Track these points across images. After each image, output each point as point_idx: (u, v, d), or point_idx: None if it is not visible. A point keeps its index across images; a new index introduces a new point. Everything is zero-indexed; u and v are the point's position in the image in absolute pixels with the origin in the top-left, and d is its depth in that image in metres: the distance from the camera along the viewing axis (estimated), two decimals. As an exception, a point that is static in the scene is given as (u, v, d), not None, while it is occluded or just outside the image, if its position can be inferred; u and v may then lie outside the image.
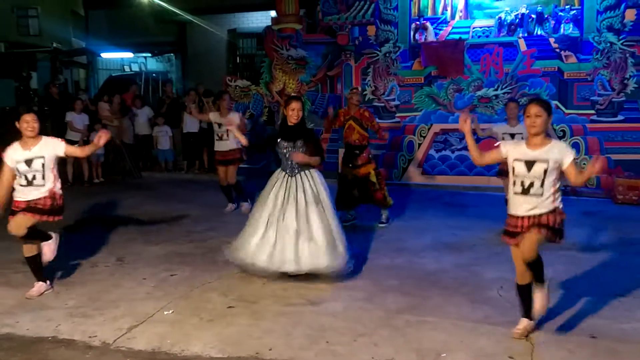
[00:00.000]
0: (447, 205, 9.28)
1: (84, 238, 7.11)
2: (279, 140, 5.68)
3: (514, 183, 4.10)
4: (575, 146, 10.25)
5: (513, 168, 4.10)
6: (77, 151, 5.44)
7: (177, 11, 18.01)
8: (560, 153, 4.00)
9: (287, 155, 5.62)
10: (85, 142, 11.25)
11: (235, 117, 8.38)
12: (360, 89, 7.88)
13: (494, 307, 4.84)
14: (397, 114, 11.86)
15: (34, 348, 4.18)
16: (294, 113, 5.59)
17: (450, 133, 11.22)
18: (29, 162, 4.95)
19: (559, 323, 4.44)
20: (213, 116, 8.52)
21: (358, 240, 6.74)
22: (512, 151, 4.15)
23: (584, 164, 10.16)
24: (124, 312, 4.79)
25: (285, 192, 5.53)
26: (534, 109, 4.04)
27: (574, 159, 4.01)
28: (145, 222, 8.02)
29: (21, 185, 5.02)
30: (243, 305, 4.93)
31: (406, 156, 11.26)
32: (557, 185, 4.05)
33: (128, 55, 21.36)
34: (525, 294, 4.24)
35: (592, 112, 10.78)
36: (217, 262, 6.18)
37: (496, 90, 11.24)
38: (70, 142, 10.87)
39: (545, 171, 3.97)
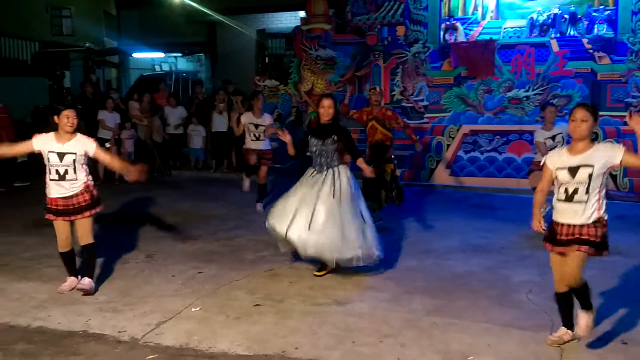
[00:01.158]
0: (475, 207, 9.18)
1: (115, 235, 7.22)
2: (309, 137, 5.70)
3: (558, 191, 4.00)
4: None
5: (557, 177, 3.99)
6: (105, 158, 5.37)
7: (207, 11, 18.16)
8: (606, 153, 3.88)
9: (316, 153, 5.63)
10: (117, 140, 11.46)
11: (268, 118, 8.64)
12: (378, 88, 7.83)
13: (522, 310, 4.78)
14: (426, 115, 11.78)
15: (65, 342, 4.26)
16: (324, 111, 5.61)
17: (480, 134, 11.11)
18: (61, 156, 5.04)
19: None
20: (245, 118, 8.63)
21: (384, 242, 6.70)
22: (554, 162, 4.04)
23: (616, 171, 9.92)
24: (152, 308, 4.86)
25: (309, 186, 5.58)
26: (580, 114, 3.93)
27: (625, 150, 3.88)
28: (174, 220, 8.11)
29: (52, 180, 5.08)
30: (269, 304, 4.95)
31: (434, 157, 11.19)
32: (603, 193, 3.93)
33: (159, 55, 21.62)
34: (563, 303, 4.14)
35: (626, 114, 10.55)
36: (244, 261, 6.23)
37: (527, 91, 11.09)
38: (101, 140, 11.20)
39: (590, 176, 3.86)
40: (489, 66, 11.30)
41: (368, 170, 5.74)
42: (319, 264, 5.71)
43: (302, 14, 13.56)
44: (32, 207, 8.59)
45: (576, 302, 4.11)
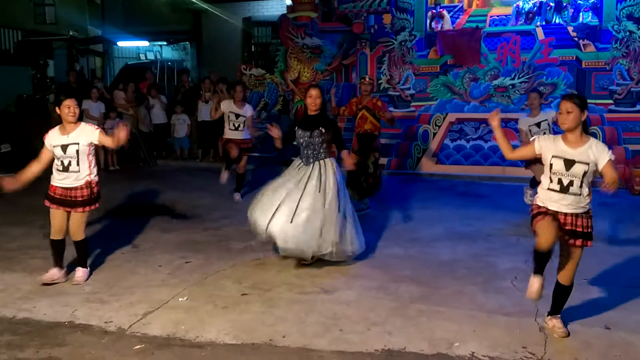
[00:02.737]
0: (461, 195, 9.23)
1: (100, 225, 7.18)
2: (296, 128, 5.68)
3: (551, 180, 4.01)
4: (593, 136, 10.12)
5: (551, 165, 3.99)
6: (108, 141, 5.23)
7: (192, -1, 18.02)
8: (598, 155, 3.91)
9: (303, 145, 5.62)
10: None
11: (249, 110, 8.56)
12: (368, 78, 7.82)
13: (507, 297, 4.83)
14: (412, 103, 11.80)
15: (51, 333, 4.25)
16: (312, 100, 5.58)
17: (466, 122, 11.15)
18: (64, 148, 5.04)
19: (573, 314, 4.42)
20: (226, 105, 8.53)
21: (372, 230, 6.75)
22: (550, 148, 4.02)
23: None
24: (139, 298, 4.85)
25: (295, 179, 5.55)
26: (564, 106, 3.96)
27: (610, 160, 3.91)
28: (161, 210, 8.08)
29: (58, 170, 5.11)
30: (257, 293, 4.96)
31: (421, 145, 11.21)
32: (591, 186, 3.99)
33: (144, 43, 21.41)
34: (545, 259, 4.00)
35: (611, 101, 10.66)
36: (231, 250, 6.22)
37: (513, 79, 11.14)
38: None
39: (585, 173, 3.90)
40: (475, 54, 11.33)
41: (351, 164, 5.75)
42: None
43: (288, 1, 13.50)
44: (17, 198, 8.51)
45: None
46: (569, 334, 4.10)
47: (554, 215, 3.99)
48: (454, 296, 4.88)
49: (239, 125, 8.46)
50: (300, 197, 5.40)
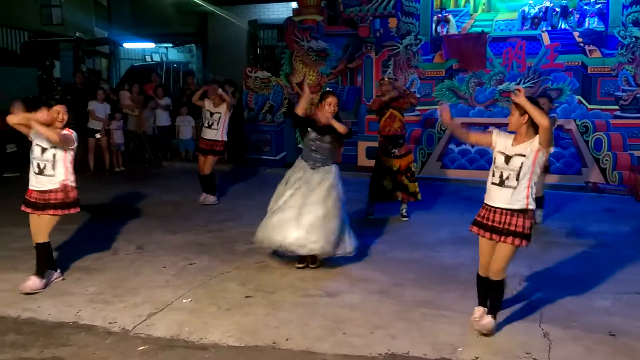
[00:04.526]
0: (465, 199, 9.21)
1: (105, 226, 7.20)
2: (309, 129, 5.67)
3: (493, 174, 4.19)
4: (598, 142, 10.14)
5: (495, 158, 4.19)
6: (48, 130, 4.90)
7: (198, 2, 18.05)
8: (535, 142, 4.03)
9: (312, 147, 5.62)
10: (106, 131, 11.39)
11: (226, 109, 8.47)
12: (387, 78, 7.83)
13: (511, 302, 4.81)
14: (417, 107, 11.78)
15: (55, 333, 4.26)
16: (330, 108, 5.54)
17: (471, 127, 11.13)
18: (43, 151, 5.03)
19: (577, 320, 4.41)
20: (207, 103, 8.52)
21: (376, 234, 6.76)
22: (499, 143, 4.19)
23: (607, 160, 10.04)
24: (143, 300, 4.86)
25: (298, 182, 5.57)
26: (512, 107, 4.11)
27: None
28: (165, 212, 8.10)
29: (34, 173, 5.09)
30: (261, 295, 4.97)
31: (425, 150, 11.21)
32: (531, 183, 4.07)
33: (150, 45, 21.48)
34: (480, 285, 4.36)
35: (616, 107, 10.62)
36: (235, 252, 6.23)
37: (518, 84, 11.11)
38: (92, 130, 11.15)
39: (522, 164, 4.03)
40: (480, 59, 11.31)
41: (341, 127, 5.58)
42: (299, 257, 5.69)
43: (294, 5, 13.51)
44: (21, 198, 8.54)
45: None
46: (488, 335, 4.13)
47: (488, 228, 4.16)
48: (458, 300, 4.87)
49: (212, 124, 8.40)
50: (312, 203, 5.42)
